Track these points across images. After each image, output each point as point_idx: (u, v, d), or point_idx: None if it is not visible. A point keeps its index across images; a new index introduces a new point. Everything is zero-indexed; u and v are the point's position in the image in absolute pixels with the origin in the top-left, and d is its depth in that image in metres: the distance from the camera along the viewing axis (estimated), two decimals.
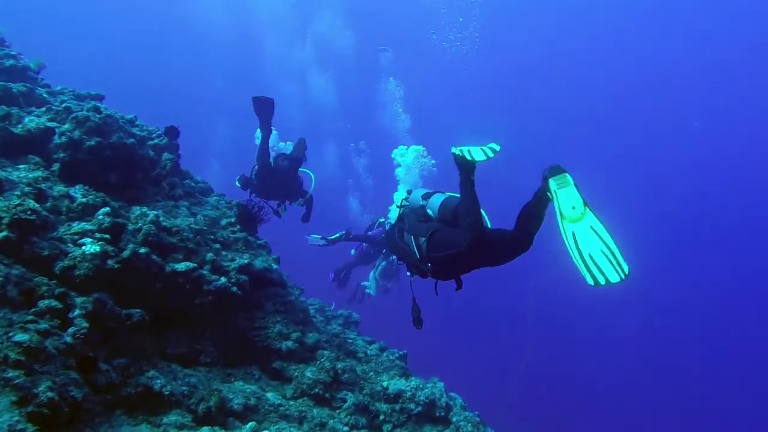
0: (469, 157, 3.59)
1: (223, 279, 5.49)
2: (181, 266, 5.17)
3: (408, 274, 4.76)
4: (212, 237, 6.20)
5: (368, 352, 7.21)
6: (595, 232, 2.88)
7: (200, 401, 4.55)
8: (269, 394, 5.37)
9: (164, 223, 5.53)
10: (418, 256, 4.26)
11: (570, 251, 2.90)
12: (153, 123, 7.10)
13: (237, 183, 9.02)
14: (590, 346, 33.96)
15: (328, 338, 6.87)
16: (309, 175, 9.16)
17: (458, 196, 3.97)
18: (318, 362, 5.93)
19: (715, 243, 41.72)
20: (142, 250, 4.90)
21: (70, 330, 3.79)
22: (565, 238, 2.96)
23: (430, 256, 4.09)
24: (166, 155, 6.74)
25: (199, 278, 5.28)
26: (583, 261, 2.83)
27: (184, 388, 4.64)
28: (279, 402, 5.29)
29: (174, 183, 6.56)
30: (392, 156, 6.67)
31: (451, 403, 6.45)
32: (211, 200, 7.22)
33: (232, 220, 6.86)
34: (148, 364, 4.66)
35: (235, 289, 5.62)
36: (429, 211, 4.47)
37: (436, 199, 4.41)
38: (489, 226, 4.04)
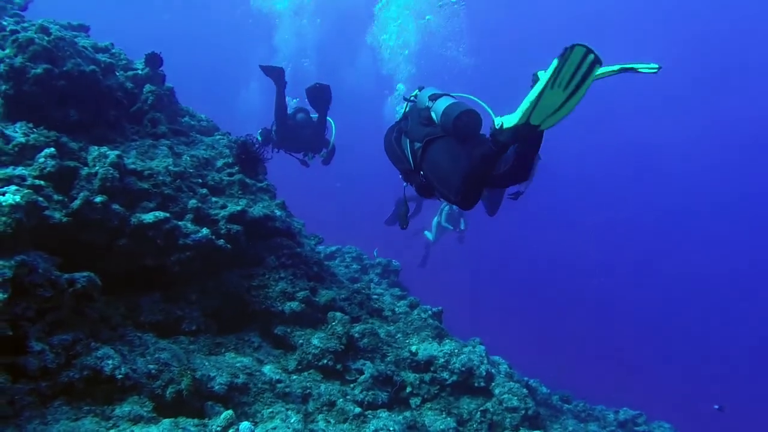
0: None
1: (204, 230, 4.58)
2: (149, 217, 4.27)
3: (400, 178, 4.38)
4: (200, 181, 5.28)
5: (396, 309, 6.25)
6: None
7: (168, 383, 3.71)
8: (266, 368, 4.51)
9: (132, 166, 4.63)
10: (411, 164, 3.91)
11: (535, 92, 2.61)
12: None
13: (258, 137, 8.70)
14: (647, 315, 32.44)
15: (348, 295, 5.93)
16: (330, 123, 8.69)
17: (467, 105, 3.50)
18: (328, 326, 5.01)
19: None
20: (98, 199, 4.02)
21: None
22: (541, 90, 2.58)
23: (423, 168, 3.71)
24: (147, 87, 5.78)
25: (173, 231, 4.38)
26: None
27: (152, 366, 3.80)
28: (278, 377, 4.42)
29: (156, 119, 5.62)
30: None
31: (493, 370, 5.46)
32: (208, 139, 6.26)
33: (230, 160, 5.91)
34: (107, 339, 3.84)
35: (221, 242, 4.70)
36: (433, 115, 3.76)
37: (442, 103, 3.65)
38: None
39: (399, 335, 5.73)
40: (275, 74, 7.98)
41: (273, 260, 5.39)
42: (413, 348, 5.46)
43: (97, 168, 4.23)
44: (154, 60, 5.90)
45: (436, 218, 13.43)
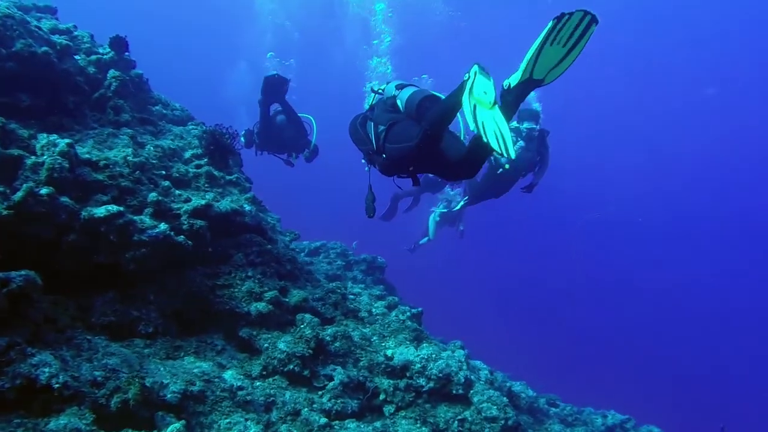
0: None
1: (162, 226, 4.29)
2: (101, 211, 3.98)
3: (363, 162, 4.52)
4: (163, 173, 4.99)
5: (373, 310, 5.99)
6: (496, 121, 2.79)
7: (114, 392, 3.43)
8: (227, 374, 4.24)
9: (87, 156, 4.34)
10: (374, 146, 4.04)
11: (465, 110, 2.86)
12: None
13: (241, 139, 8.83)
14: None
15: (323, 295, 5.66)
16: (310, 120, 8.80)
17: (431, 92, 3.78)
18: (296, 329, 4.74)
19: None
20: (44, 191, 3.73)
21: None
22: (465, 104, 2.88)
23: (385, 146, 3.86)
24: (111, 72, 5.47)
25: (127, 226, 4.09)
26: (475, 121, 2.77)
27: (98, 373, 3.52)
28: (239, 384, 4.16)
29: (119, 107, 5.32)
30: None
31: (473, 377, 5.20)
32: (177, 129, 5.96)
33: (199, 151, 5.62)
34: (52, 342, 3.56)
35: (182, 238, 4.42)
36: (399, 102, 3.96)
37: (407, 91, 3.90)
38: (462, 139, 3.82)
39: (375, 338, 5.47)
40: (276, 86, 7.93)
41: (241, 258, 5.11)
42: (389, 352, 5.20)
43: (45, 157, 3.94)
44: (119, 43, 5.60)
45: (431, 215, 13.24)
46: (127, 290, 4.36)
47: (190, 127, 6.48)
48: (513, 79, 3.01)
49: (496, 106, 2.87)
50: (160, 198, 4.53)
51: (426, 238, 13.40)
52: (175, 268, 4.65)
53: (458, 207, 10.58)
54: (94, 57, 5.51)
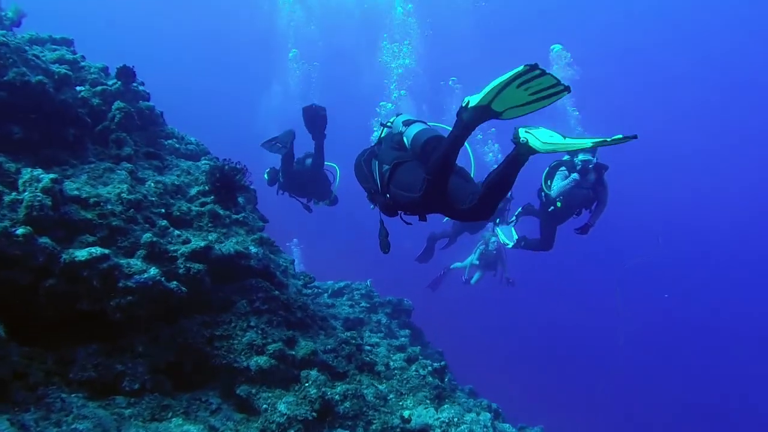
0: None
1: (153, 270, 3.89)
2: (82, 254, 3.61)
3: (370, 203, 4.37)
4: (163, 211, 4.63)
5: (391, 363, 5.47)
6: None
7: None
8: None
9: (75, 192, 4.00)
10: (378, 185, 3.94)
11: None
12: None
13: (265, 176, 8.86)
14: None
15: (335, 346, 5.18)
16: (334, 168, 8.79)
17: (437, 131, 3.72)
18: (300, 387, 4.25)
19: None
20: (20, 231, 3.39)
21: None
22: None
23: (390, 189, 3.73)
24: (116, 104, 5.21)
25: (112, 270, 3.71)
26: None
27: None
28: None
29: (122, 140, 5.02)
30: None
31: None
32: (185, 164, 5.65)
33: (206, 188, 5.27)
34: (20, 401, 3.17)
35: (174, 284, 4.01)
36: (405, 140, 3.88)
37: (414, 129, 3.79)
38: (472, 176, 3.76)
39: (391, 396, 4.94)
40: (314, 122, 7.63)
41: (244, 305, 4.68)
42: (406, 413, 4.66)
43: (26, 194, 3.61)
44: (126, 74, 5.35)
45: (470, 257, 12.65)
46: (114, 341, 3.96)
47: (203, 162, 6.18)
48: (473, 99, 2.93)
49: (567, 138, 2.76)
50: (155, 239, 4.16)
51: (459, 265, 12.83)
52: (170, 316, 4.25)
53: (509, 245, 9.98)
54: (99, 88, 5.26)
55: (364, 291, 10.24)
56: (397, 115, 4.18)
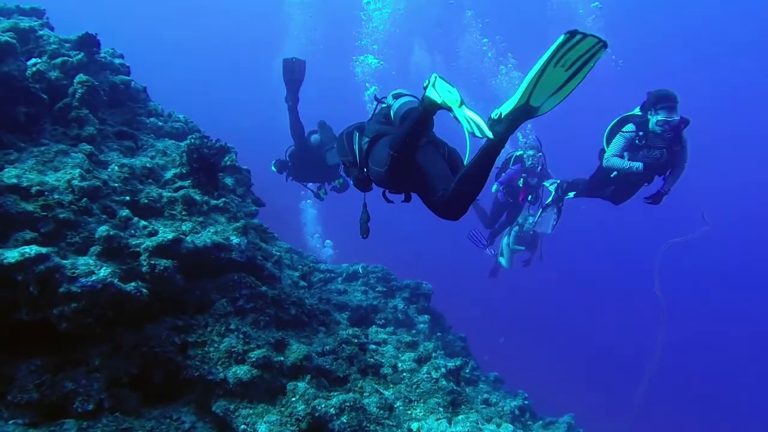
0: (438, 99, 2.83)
1: (102, 271, 3.30)
2: (13, 255, 3.02)
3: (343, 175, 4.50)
4: (127, 198, 4.03)
5: (399, 365, 4.84)
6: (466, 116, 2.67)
7: None
8: None
9: (14, 181, 3.41)
10: (356, 159, 3.78)
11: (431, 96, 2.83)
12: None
13: (272, 167, 8.55)
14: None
15: (335, 347, 4.57)
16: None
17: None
18: (285, 400, 3.65)
19: None
20: None
21: None
22: (430, 93, 2.85)
23: (367, 163, 3.58)
24: (78, 77, 4.59)
25: (51, 273, 3.12)
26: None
27: None
28: None
29: (83, 118, 4.41)
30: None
31: None
32: (161, 144, 5.04)
33: (184, 170, 4.65)
34: None
35: (131, 286, 3.42)
36: (391, 113, 3.69)
37: (400, 101, 3.67)
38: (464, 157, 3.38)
39: (398, 404, 4.33)
40: (294, 73, 7.44)
41: (224, 305, 4.08)
42: (414, 426, 4.05)
43: None
44: (88, 42, 4.72)
45: (504, 238, 11.76)
46: (65, 354, 3.40)
47: (187, 141, 5.56)
48: (506, 107, 2.63)
49: (464, 105, 2.70)
50: (112, 232, 3.56)
51: (503, 262, 11.91)
52: (134, 321, 3.67)
53: (550, 199, 9.05)
54: (59, 60, 4.65)
55: (381, 274, 9.63)
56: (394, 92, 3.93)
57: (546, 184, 9.12)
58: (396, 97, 3.78)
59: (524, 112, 2.59)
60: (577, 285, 32.59)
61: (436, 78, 2.87)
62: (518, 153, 9.38)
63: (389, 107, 3.75)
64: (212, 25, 39.94)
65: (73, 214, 3.54)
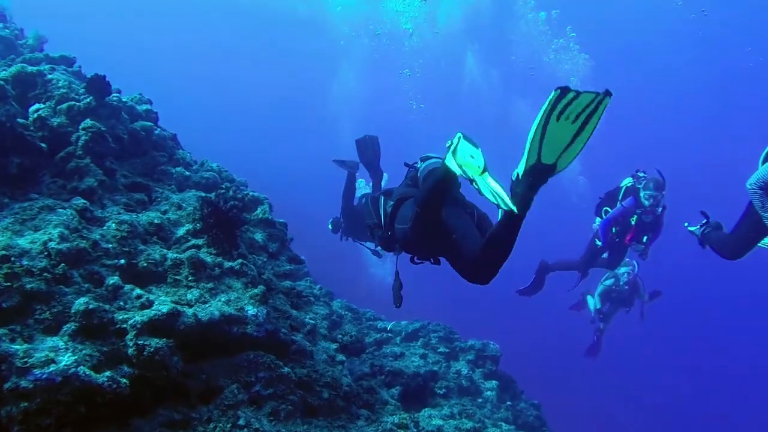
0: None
1: (65, 360, 2.62)
2: None
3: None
4: (123, 262, 3.38)
5: None
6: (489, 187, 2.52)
7: None
8: None
9: None
10: (381, 221, 3.81)
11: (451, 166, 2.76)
12: None
13: (329, 226, 8.48)
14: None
15: None
16: None
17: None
18: None
19: None
20: None
21: None
22: (450, 163, 2.75)
23: (392, 224, 3.52)
24: (85, 123, 4.07)
25: None
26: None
27: None
28: None
29: (83, 169, 3.86)
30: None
31: None
32: (177, 197, 4.44)
33: (198, 226, 4.00)
34: None
35: (103, 378, 2.70)
36: (419, 176, 3.56)
37: (426, 163, 3.55)
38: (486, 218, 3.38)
39: None
40: (368, 151, 7.10)
41: (233, 392, 3.31)
42: None
43: None
44: (98, 85, 4.22)
45: (592, 301, 10.39)
46: None
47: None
48: (520, 167, 2.54)
49: (486, 173, 2.55)
50: (92, 306, 2.89)
51: (591, 304, 10.51)
52: (119, 414, 2.95)
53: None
54: (65, 105, 4.16)
55: (443, 333, 8.85)
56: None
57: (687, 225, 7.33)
58: (423, 160, 3.68)
59: (540, 172, 2.49)
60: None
61: (459, 139, 2.74)
62: (627, 182, 7.92)
63: (416, 170, 3.68)
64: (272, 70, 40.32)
65: (45, 284, 2.90)
